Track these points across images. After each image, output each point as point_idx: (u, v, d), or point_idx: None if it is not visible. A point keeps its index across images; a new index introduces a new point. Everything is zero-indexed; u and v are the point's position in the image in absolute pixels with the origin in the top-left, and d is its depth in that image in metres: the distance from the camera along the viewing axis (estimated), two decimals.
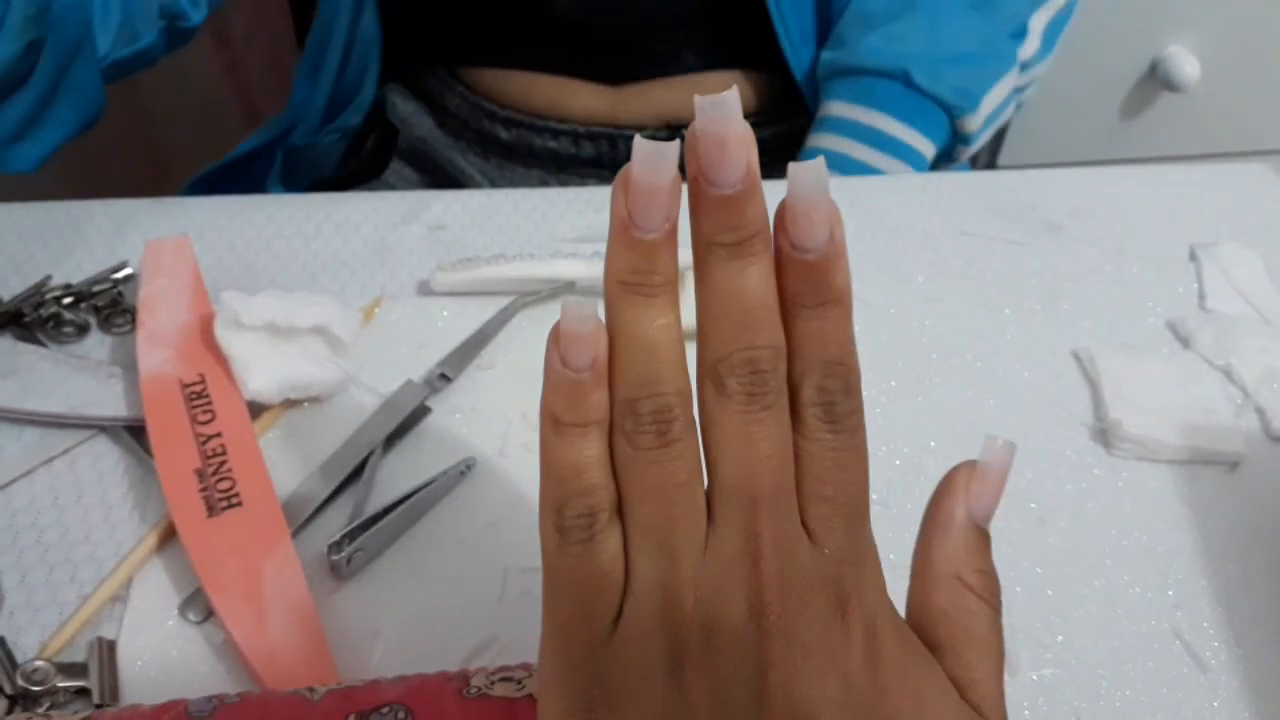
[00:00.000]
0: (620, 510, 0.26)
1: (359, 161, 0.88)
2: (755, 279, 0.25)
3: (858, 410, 0.26)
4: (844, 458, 0.26)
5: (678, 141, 0.24)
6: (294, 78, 0.85)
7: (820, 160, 0.24)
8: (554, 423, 0.25)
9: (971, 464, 0.28)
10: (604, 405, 0.25)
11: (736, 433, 0.25)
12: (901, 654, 0.26)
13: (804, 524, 0.25)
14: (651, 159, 0.24)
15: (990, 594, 0.28)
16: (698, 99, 0.24)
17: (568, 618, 0.26)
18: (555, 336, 0.25)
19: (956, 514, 0.27)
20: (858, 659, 0.25)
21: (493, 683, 0.35)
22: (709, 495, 0.26)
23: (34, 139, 0.64)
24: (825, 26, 0.76)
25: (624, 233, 0.25)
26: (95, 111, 0.65)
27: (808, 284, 0.25)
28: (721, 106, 0.24)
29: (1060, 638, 0.44)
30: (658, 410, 0.25)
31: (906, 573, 0.28)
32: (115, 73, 0.70)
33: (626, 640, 0.25)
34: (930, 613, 0.27)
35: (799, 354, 0.25)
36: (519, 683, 0.35)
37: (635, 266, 0.25)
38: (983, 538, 0.28)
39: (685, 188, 0.25)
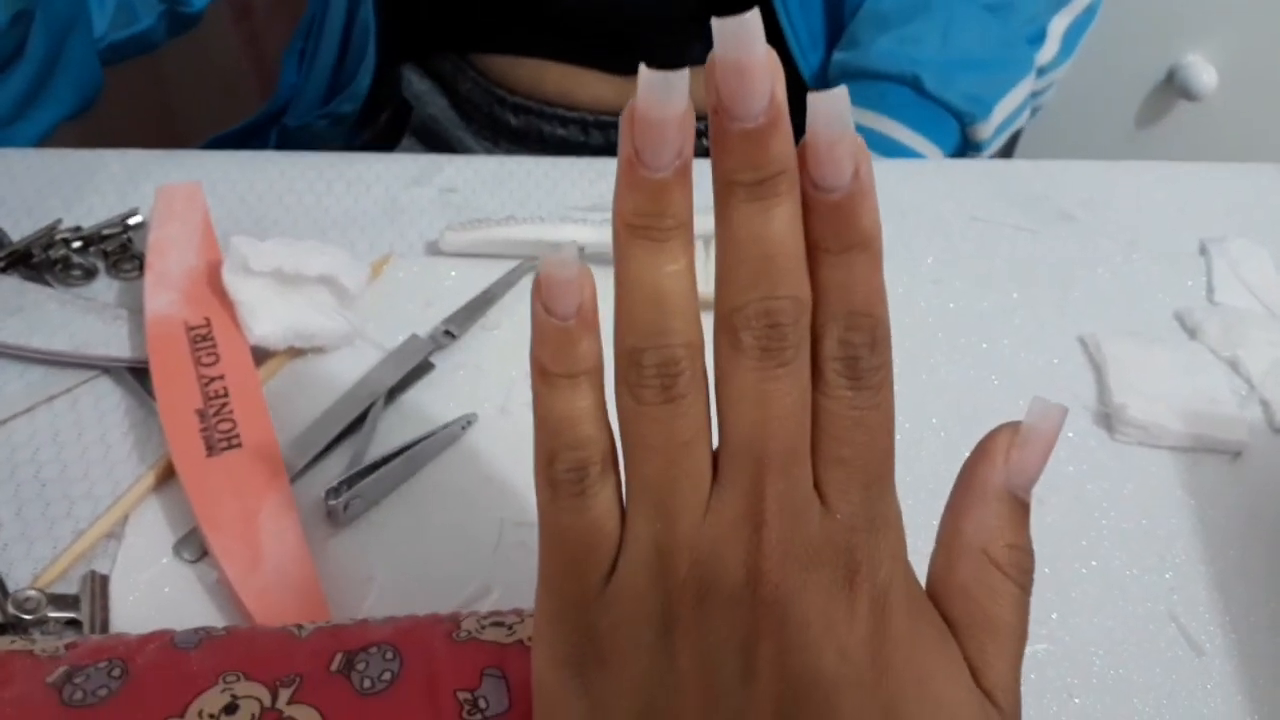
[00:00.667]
0: (615, 463, 0.25)
1: (373, 133, 0.88)
2: (778, 222, 0.23)
3: (884, 366, 0.24)
4: (865, 417, 0.24)
5: (686, 71, 0.22)
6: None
7: (842, 90, 0.22)
8: (542, 374, 0.24)
9: (1014, 426, 0.25)
10: (594, 354, 0.24)
11: (749, 390, 0.23)
12: (912, 631, 0.25)
13: (818, 487, 0.24)
14: (657, 89, 0.22)
15: (1019, 571, 0.25)
16: (715, 21, 0.22)
17: (558, 571, 0.26)
18: (538, 285, 0.24)
19: (993, 481, 0.25)
20: (860, 633, 0.24)
21: (483, 627, 0.35)
22: (717, 453, 0.24)
23: (30, 119, 0.64)
24: (835, 30, 0.75)
25: (631, 171, 0.23)
26: (93, 92, 0.65)
27: (831, 227, 0.23)
28: (743, 28, 0.21)
29: (1055, 615, 0.43)
30: (663, 363, 0.23)
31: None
32: (114, 54, 0.70)
33: (618, 598, 0.25)
34: (950, 587, 0.26)
35: (822, 304, 0.24)
36: (510, 628, 0.35)
37: (643, 208, 0.23)
38: (1020, 509, 0.25)
39: None
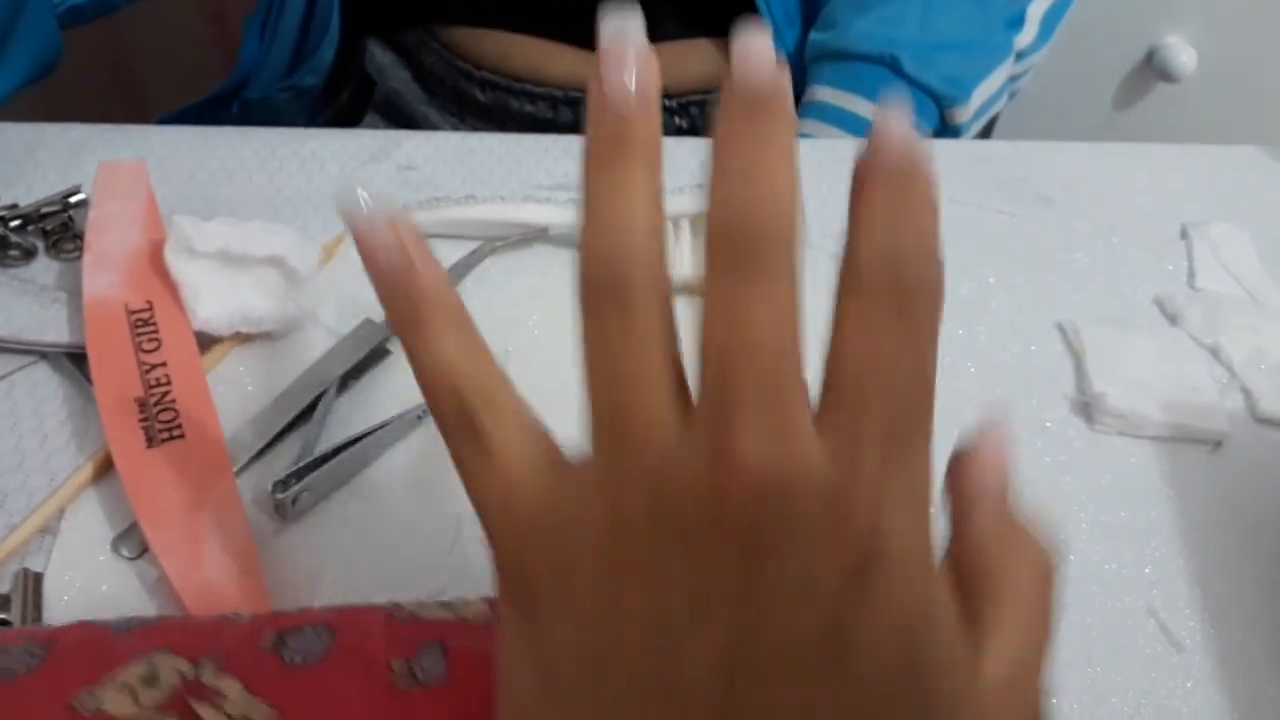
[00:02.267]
0: (512, 395, 0.25)
1: (334, 111, 0.86)
2: (766, 132, 0.22)
3: (936, 310, 0.21)
4: (904, 360, 0.21)
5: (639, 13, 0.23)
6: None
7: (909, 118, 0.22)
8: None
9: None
10: (440, 288, 0.25)
11: (721, 306, 0.21)
12: (919, 610, 0.21)
13: (828, 433, 0.21)
14: (614, 25, 0.23)
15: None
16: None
17: (494, 526, 0.24)
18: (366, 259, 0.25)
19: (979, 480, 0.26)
20: (845, 600, 0.20)
21: (425, 608, 0.34)
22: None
23: None
24: (811, 9, 0.74)
25: (597, 101, 0.23)
26: (52, 58, 0.63)
27: (890, 156, 0.22)
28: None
29: None
30: (618, 287, 0.22)
31: None
32: (73, 17, 0.67)
33: (568, 534, 0.23)
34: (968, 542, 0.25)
35: (869, 229, 0.22)
36: (454, 609, 0.33)
37: (606, 134, 0.23)
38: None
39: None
